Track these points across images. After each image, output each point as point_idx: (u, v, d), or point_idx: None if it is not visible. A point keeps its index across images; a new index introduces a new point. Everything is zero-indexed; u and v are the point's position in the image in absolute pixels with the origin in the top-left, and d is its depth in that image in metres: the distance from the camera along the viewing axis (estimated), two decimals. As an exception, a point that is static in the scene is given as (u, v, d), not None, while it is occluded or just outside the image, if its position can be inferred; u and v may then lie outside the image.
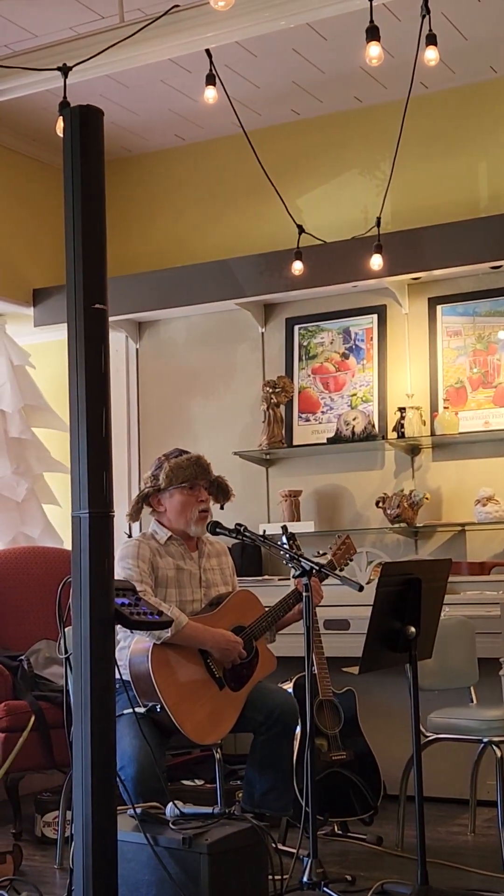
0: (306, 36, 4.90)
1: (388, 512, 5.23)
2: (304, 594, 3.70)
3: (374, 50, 3.92)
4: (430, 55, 4.16)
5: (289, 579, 5.20)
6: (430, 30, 4.16)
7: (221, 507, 4.18)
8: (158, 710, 3.64)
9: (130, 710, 3.49)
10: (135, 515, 4.12)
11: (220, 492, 4.15)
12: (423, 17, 4.17)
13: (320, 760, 4.18)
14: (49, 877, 4.05)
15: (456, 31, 4.89)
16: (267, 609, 4.05)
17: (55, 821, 4.45)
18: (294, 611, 4.06)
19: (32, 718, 2.67)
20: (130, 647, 3.76)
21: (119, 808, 2.95)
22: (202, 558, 4.10)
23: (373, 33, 3.93)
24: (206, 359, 5.99)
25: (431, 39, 4.15)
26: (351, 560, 4.35)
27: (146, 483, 4.11)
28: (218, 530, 3.99)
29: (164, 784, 3.55)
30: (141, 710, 3.61)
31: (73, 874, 2.88)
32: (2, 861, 3.98)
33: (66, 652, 3.16)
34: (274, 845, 3.29)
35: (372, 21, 3.97)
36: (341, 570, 4.23)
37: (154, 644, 3.68)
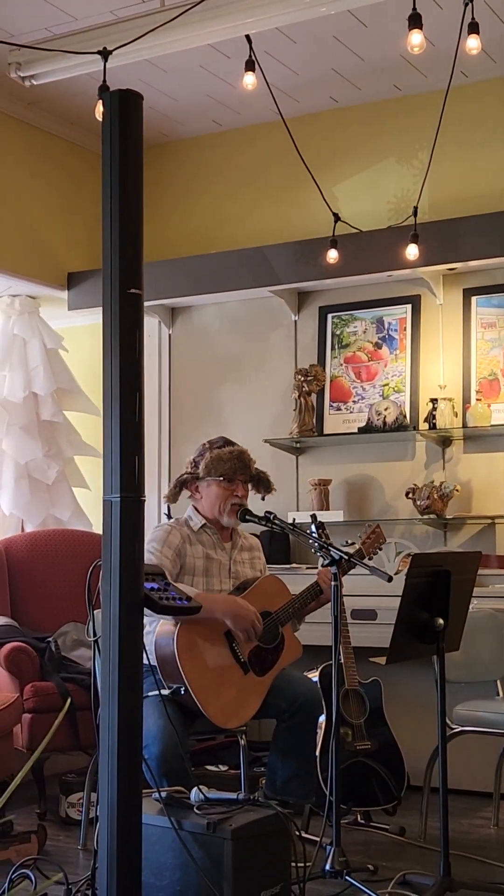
0: (347, 23, 4.87)
1: (418, 503, 5.22)
2: (332, 583, 3.71)
3: (416, 38, 3.90)
4: (472, 44, 4.13)
5: (316, 568, 5.20)
6: (473, 18, 4.13)
7: (263, 499, 4.20)
8: (182, 692, 3.65)
9: (156, 692, 3.51)
10: (172, 498, 4.15)
11: (262, 485, 4.17)
12: (466, 4, 4.14)
13: (344, 749, 4.18)
14: (73, 857, 4.08)
15: (498, 19, 4.84)
16: (294, 596, 4.05)
17: (79, 802, 4.48)
18: (317, 601, 4.07)
19: (68, 701, 2.68)
20: (156, 630, 3.77)
21: (144, 791, 2.96)
22: (234, 550, 4.11)
23: (415, 21, 3.91)
24: (238, 346, 5.98)
25: (473, 28, 4.12)
26: (380, 549, 4.34)
27: (187, 468, 4.13)
28: (248, 517, 4.01)
29: (188, 765, 3.56)
30: (165, 692, 3.63)
31: (97, 855, 2.89)
32: (26, 840, 4.02)
33: (94, 635, 3.17)
34: (297, 833, 3.29)
35: (415, 8, 3.94)
36: (370, 559, 4.23)
37: (181, 626, 3.69)
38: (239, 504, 4.06)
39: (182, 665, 3.66)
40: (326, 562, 3.77)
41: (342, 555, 3.76)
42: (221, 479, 4.04)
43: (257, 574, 4.15)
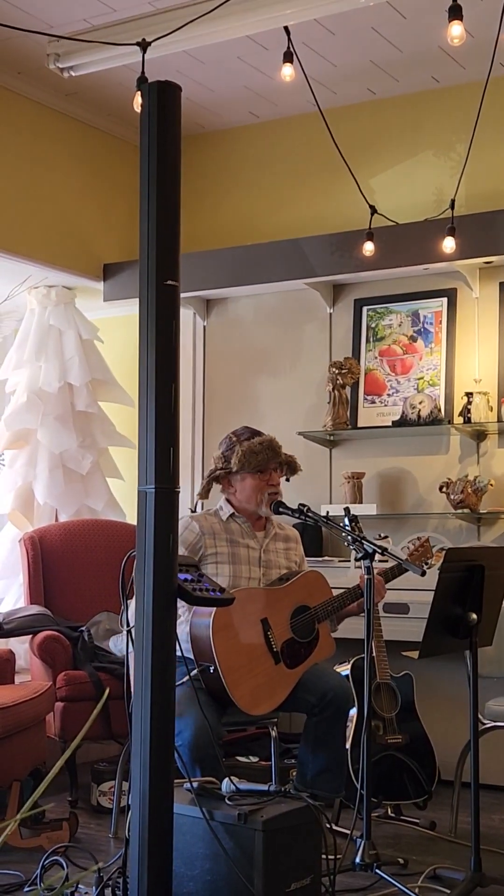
0: (385, 14, 4.85)
1: (452, 497, 5.19)
2: (366, 577, 3.70)
3: (455, 29, 3.88)
4: (512, 35, 4.10)
5: (349, 561, 5.20)
6: (513, 10, 4.10)
7: (287, 480, 4.18)
8: (212, 671, 3.66)
9: (187, 678, 3.51)
10: (205, 494, 4.14)
11: (289, 469, 4.16)
12: (506, -4, 4.11)
13: (375, 743, 4.18)
14: (104, 845, 4.10)
15: (538, 11, 4.81)
16: (335, 595, 4.05)
17: (111, 790, 4.51)
18: (356, 604, 4.06)
19: (106, 692, 2.70)
20: (190, 618, 3.78)
21: (175, 780, 2.97)
22: (267, 539, 4.11)
23: (455, 12, 3.89)
24: (273, 338, 5.98)
25: (514, 19, 4.09)
26: (426, 563, 4.27)
27: (217, 463, 4.11)
28: (281, 510, 4.01)
29: (220, 753, 3.57)
30: (194, 671, 3.63)
31: (128, 844, 2.91)
32: (58, 828, 4.05)
33: (127, 625, 3.18)
34: (327, 825, 3.30)
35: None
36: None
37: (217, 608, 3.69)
38: (275, 493, 4.06)
39: (215, 644, 3.67)
40: (360, 555, 3.77)
41: (375, 548, 3.75)
42: (256, 471, 4.04)
43: (291, 565, 4.15)
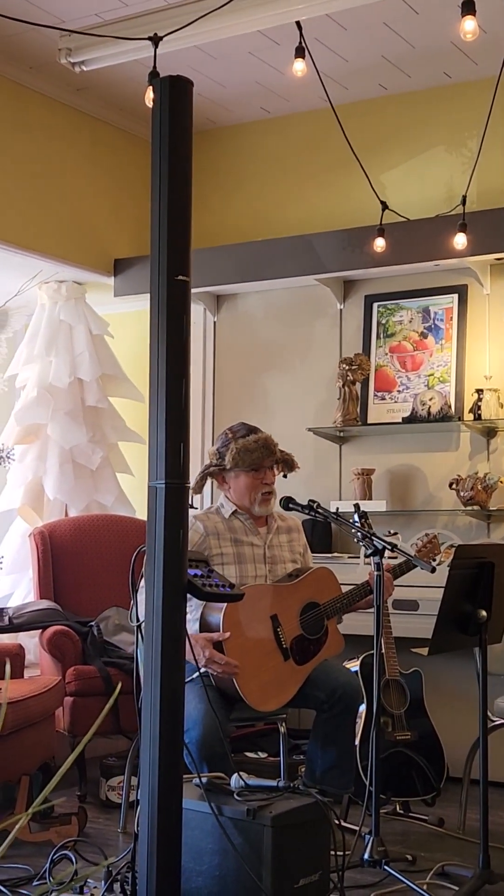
0: (398, 9, 4.83)
1: (462, 494, 5.19)
2: (375, 573, 3.70)
3: (469, 24, 3.87)
4: (525, 31, 4.08)
5: (358, 557, 5.20)
6: (526, 5, 4.09)
7: (285, 476, 4.17)
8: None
9: (196, 674, 3.51)
10: (198, 489, 4.12)
11: (286, 465, 4.14)
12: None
13: (384, 739, 4.18)
14: (112, 840, 4.11)
15: (551, 6, 4.80)
16: (344, 591, 4.04)
17: (119, 785, 4.52)
18: (365, 600, 4.06)
19: (118, 686, 2.71)
20: (199, 617, 3.78)
21: (184, 776, 2.97)
22: (270, 534, 4.10)
23: (468, 7, 3.88)
24: (283, 334, 5.97)
25: (526, 15, 4.08)
26: (434, 560, 4.26)
27: (212, 459, 4.10)
28: (291, 506, 4.00)
29: (228, 751, 3.57)
30: (203, 668, 3.63)
31: (137, 839, 2.91)
32: (66, 822, 4.06)
33: (137, 620, 3.19)
34: (336, 821, 3.30)
35: (468, -5, 3.91)
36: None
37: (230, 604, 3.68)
38: (269, 492, 4.04)
39: (224, 641, 3.67)
40: (369, 551, 3.76)
41: (385, 544, 3.75)
42: (250, 469, 4.02)
43: (296, 556, 4.14)
